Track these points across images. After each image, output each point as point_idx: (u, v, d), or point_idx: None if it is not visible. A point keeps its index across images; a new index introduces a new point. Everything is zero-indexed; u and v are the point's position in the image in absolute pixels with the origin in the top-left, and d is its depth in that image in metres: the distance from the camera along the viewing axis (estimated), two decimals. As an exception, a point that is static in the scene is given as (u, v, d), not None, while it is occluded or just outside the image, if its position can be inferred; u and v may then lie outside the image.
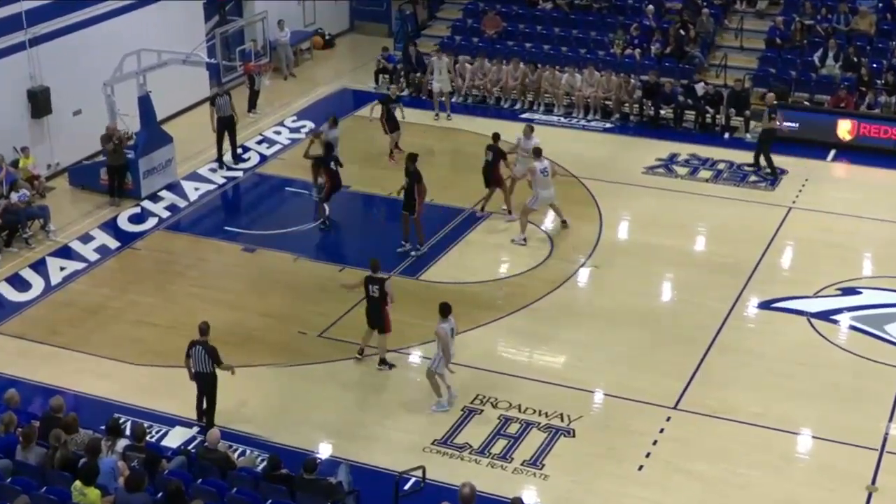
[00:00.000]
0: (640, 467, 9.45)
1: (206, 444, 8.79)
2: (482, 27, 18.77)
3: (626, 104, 16.99)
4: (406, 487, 8.96)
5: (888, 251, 13.20)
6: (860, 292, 12.28)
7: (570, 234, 13.59)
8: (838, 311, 11.86)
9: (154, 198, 14.69)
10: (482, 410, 10.16)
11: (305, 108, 17.80)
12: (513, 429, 9.90)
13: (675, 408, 10.22)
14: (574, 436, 9.81)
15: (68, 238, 13.71)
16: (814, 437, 9.93)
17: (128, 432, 9.14)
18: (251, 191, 15.34)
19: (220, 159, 15.59)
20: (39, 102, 14.60)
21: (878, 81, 16.61)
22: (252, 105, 17.22)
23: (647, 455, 9.58)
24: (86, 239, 13.73)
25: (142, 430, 8.68)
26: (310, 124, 17.16)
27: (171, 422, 10.03)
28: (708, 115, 16.53)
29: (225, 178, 15.44)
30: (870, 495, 9.14)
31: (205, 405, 9.90)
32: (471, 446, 9.69)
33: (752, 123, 16.36)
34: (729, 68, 17.47)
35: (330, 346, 11.28)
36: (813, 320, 11.64)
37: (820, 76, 16.99)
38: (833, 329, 11.53)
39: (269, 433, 9.84)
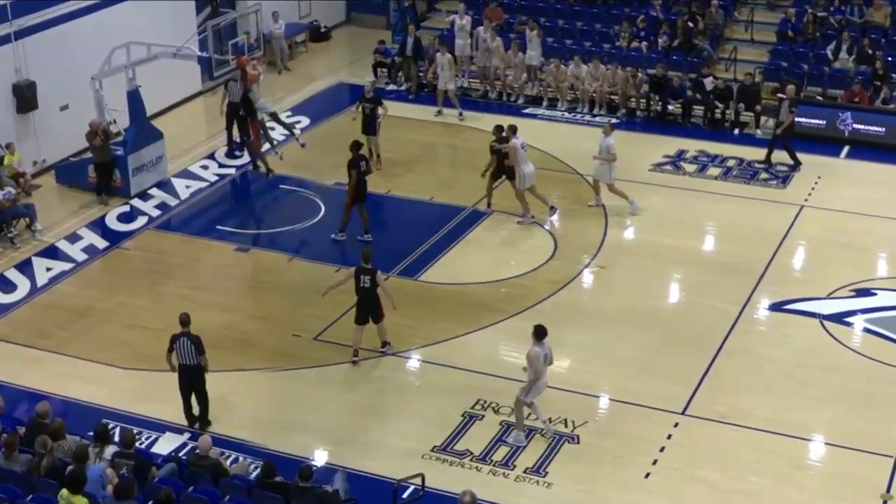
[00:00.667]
0: (647, 475, 9.45)
1: (197, 450, 8.78)
2: (483, 19, 18.72)
3: (633, 99, 16.98)
4: (405, 496, 8.94)
5: (903, 250, 13.22)
6: (875, 294, 12.27)
7: (575, 234, 13.58)
8: (852, 313, 11.85)
9: (144, 196, 14.65)
10: (483, 416, 10.15)
11: (301, 102, 17.77)
12: (514, 435, 9.86)
13: (683, 413, 10.21)
14: (578, 442, 9.81)
15: (55, 238, 13.67)
16: (826, 443, 9.93)
17: (116, 438, 9.12)
18: (244, 188, 15.30)
19: (230, 144, 15.57)
20: (25, 97, 14.58)
21: (894, 75, 16.58)
22: None
23: (654, 462, 9.58)
24: (73, 238, 13.69)
25: (131, 437, 8.66)
26: (305, 120, 17.15)
27: (161, 428, 10.01)
28: (717, 111, 16.52)
29: (217, 175, 15.37)
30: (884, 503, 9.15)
31: (195, 402, 9.80)
32: (472, 453, 9.68)
33: (763, 118, 16.36)
34: (739, 62, 17.47)
35: (325, 350, 11.27)
36: (826, 322, 11.63)
37: (833, 70, 16.98)
38: (846, 332, 11.52)
39: (263, 439, 9.83)
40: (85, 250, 13.45)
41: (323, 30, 20.59)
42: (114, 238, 13.76)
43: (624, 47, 17.93)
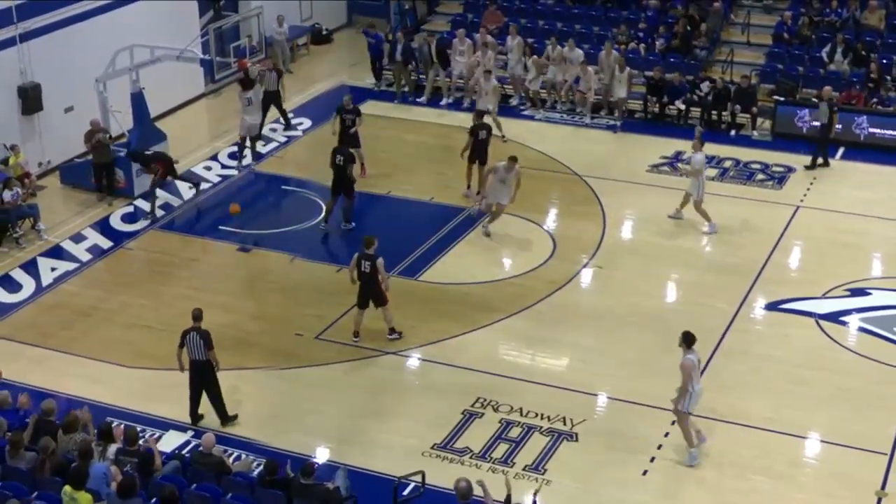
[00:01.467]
0: (645, 472, 9.41)
1: (200, 448, 8.74)
2: (482, 23, 18.55)
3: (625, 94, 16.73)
4: (405, 493, 8.89)
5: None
6: (869, 293, 12.22)
7: (573, 234, 13.50)
8: (847, 312, 11.80)
9: (147, 196, 14.50)
10: (483, 414, 10.11)
11: (303, 104, 17.69)
12: (514, 433, 9.85)
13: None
14: (577, 440, 9.77)
15: (60, 238, 13.65)
16: (822, 441, 9.89)
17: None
18: (246, 189, 15.22)
19: (259, 131, 15.56)
20: (30, 99, 14.55)
21: (888, 77, 16.53)
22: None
23: (652, 460, 9.54)
24: (78, 238, 13.65)
25: (134, 434, 8.64)
26: (307, 121, 17.05)
27: (165, 426, 10.01)
28: (713, 113, 16.45)
29: (220, 176, 15.30)
30: (879, 500, 9.09)
31: (205, 400, 9.75)
32: (471, 450, 9.64)
33: (759, 120, 16.32)
34: (735, 64, 17.41)
35: (327, 349, 11.23)
36: (821, 322, 11.58)
37: (829, 72, 16.90)
38: (842, 331, 11.49)
39: (266, 437, 9.82)
40: (89, 250, 13.42)
41: (324, 32, 20.47)
42: (117, 238, 13.72)
43: (622, 50, 17.85)
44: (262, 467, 8.69)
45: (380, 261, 10.87)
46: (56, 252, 13.33)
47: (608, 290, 12.42)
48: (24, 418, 9.02)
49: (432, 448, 9.65)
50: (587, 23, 18.68)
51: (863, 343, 11.30)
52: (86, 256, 13.28)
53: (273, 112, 16.29)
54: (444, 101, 17.52)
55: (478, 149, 13.98)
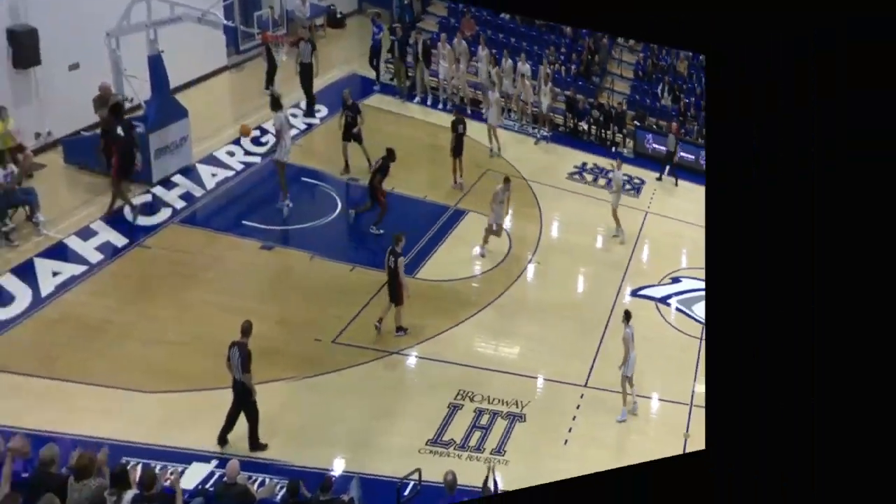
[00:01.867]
0: (566, 441, 6.37)
1: (225, 478, 4.49)
2: (461, 28, 11.98)
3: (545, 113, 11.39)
4: (406, 493, 5.35)
5: (700, 247, 9.72)
6: (681, 280, 9.22)
7: (522, 233, 9.21)
8: (669, 296, 8.86)
9: (167, 183, 7.19)
10: (463, 405, 6.51)
11: (319, 90, 9.49)
12: (484, 420, 6.40)
13: (585, 386, 7.03)
14: (525, 420, 6.51)
15: (63, 233, 6.22)
16: (660, 399, 7.19)
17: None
18: (268, 180, 7.82)
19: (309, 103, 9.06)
20: (23, 47, 6.17)
21: (688, 113, 12.13)
22: (270, 81, 8.90)
23: (570, 430, 6.53)
24: (86, 234, 6.30)
25: (151, 476, 4.11)
26: (324, 109, 9.40)
27: (188, 458, 5.02)
28: (603, 132, 11.51)
29: (242, 163, 7.92)
30: (685, 440, 6.63)
31: (243, 420, 5.12)
32: (455, 442, 6.15)
33: (628, 141, 11.62)
34: (615, 92, 12.22)
35: (341, 353, 6.19)
36: (659, 305, 8.55)
37: (661, 105, 12.35)
38: (667, 310, 8.56)
39: (289, 456, 5.20)
40: (100, 248, 6.29)
41: (339, 16, 12.39)
42: (134, 234, 6.56)
43: (553, 69, 11.79)
44: (284, 490, 4.65)
45: (400, 260, 6.49)
46: (59, 251, 6.11)
47: (546, 284, 8.61)
48: (24, 470, 3.90)
49: (426, 444, 5.99)
50: (530, 41, 12.29)
51: (677, 319, 8.42)
52: (96, 256, 6.14)
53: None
54: (429, 100, 11.04)
55: (456, 143, 9.03)
